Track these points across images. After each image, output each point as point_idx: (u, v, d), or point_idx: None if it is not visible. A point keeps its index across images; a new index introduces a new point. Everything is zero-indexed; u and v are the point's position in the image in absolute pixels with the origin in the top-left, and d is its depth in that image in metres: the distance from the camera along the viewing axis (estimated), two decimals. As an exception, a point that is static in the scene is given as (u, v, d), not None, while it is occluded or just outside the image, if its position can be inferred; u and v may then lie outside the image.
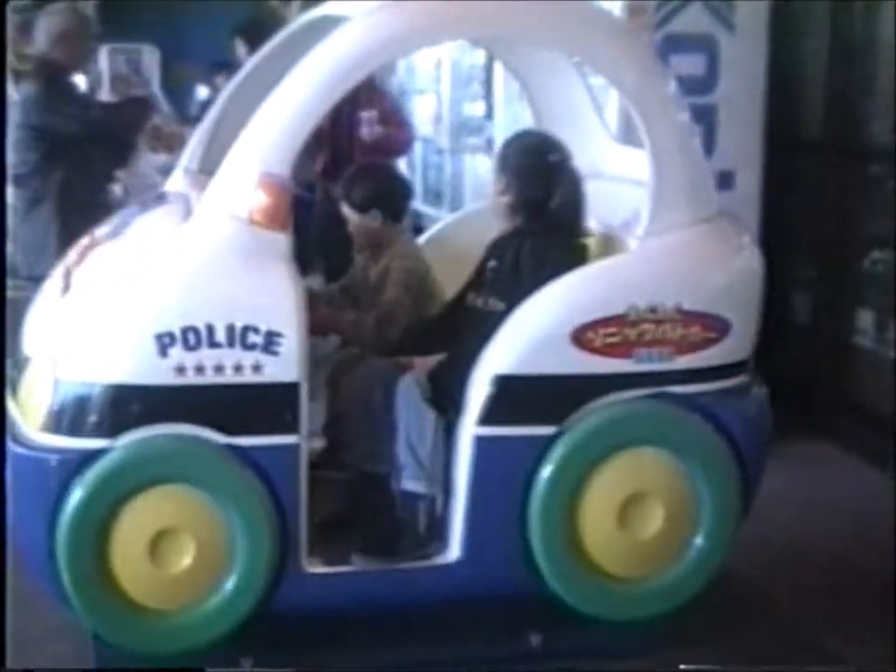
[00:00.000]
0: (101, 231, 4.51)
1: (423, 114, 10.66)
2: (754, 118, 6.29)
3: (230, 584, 3.99)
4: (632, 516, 4.21)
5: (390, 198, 4.87)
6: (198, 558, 3.96)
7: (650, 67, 4.36)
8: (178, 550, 3.96)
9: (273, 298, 3.93)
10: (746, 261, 4.39)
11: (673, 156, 4.22)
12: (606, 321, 4.10)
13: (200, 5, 13.61)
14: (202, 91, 10.90)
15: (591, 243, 4.34)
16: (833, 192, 6.71)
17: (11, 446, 3.97)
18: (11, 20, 7.26)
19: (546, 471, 4.12)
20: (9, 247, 5.96)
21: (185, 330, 3.86)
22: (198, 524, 3.96)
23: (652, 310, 4.13)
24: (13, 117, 6.17)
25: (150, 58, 14.21)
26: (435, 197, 11.03)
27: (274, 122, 3.99)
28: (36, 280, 4.67)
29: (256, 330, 3.90)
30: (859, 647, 4.44)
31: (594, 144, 4.83)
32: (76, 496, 3.87)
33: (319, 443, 4.67)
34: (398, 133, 6.95)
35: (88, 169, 6.28)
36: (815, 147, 6.83)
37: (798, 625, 4.67)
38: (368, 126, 6.68)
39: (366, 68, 4.07)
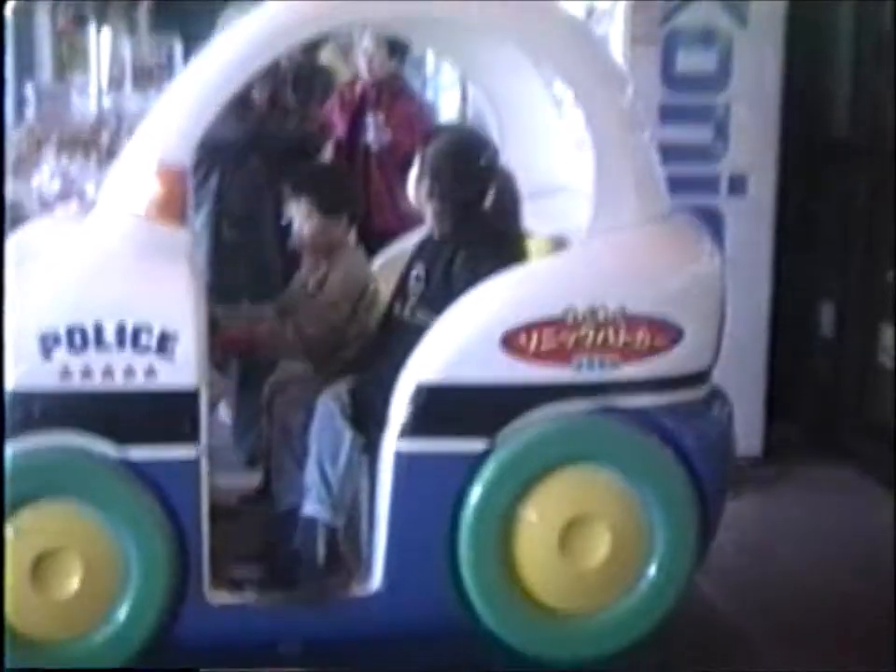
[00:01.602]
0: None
1: (448, 110, 10.44)
2: (769, 118, 5.81)
3: (122, 612, 3.63)
4: (574, 543, 3.80)
5: (357, 203, 4.56)
6: (86, 582, 3.62)
7: (593, 57, 4.03)
8: (64, 573, 3.61)
9: (168, 295, 3.61)
10: (702, 265, 4.01)
11: (618, 150, 3.88)
12: (540, 324, 3.72)
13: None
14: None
15: (535, 248, 3.99)
16: (861, 198, 6.17)
17: None
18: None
19: (476, 491, 3.74)
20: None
21: (70, 330, 3.55)
22: (86, 544, 3.62)
23: (593, 312, 3.74)
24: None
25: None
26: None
27: (173, 109, 3.72)
28: None
29: (148, 331, 3.57)
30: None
31: (556, 153, 4.48)
32: (-48, 509, 3.56)
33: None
34: (409, 139, 6.52)
35: (246, 177, 6.04)
36: (840, 149, 6.29)
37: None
38: (374, 131, 6.12)
39: (270, 50, 3.77)
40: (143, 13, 13.31)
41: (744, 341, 5.25)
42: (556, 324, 3.73)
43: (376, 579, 3.79)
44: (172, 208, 3.65)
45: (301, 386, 4.22)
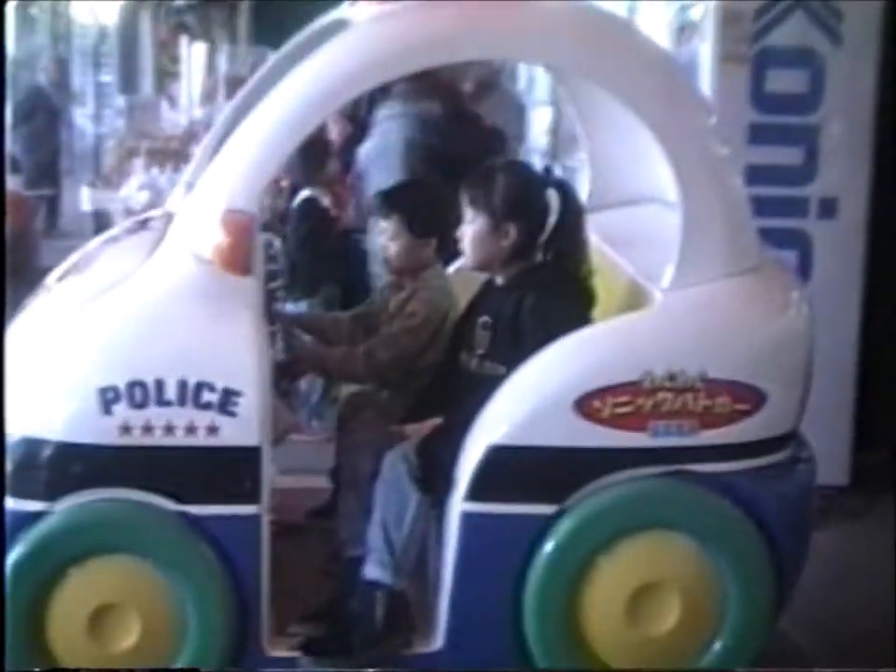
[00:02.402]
0: (66, 264, 4.11)
1: (539, 126, 10.21)
2: (862, 139, 5.59)
3: (179, 667, 3.58)
4: (643, 609, 3.67)
5: (450, 227, 4.16)
6: (144, 637, 3.55)
7: (682, 101, 3.79)
8: (122, 627, 3.55)
9: (232, 351, 3.49)
10: (790, 320, 3.80)
11: (707, 198, 3.66)
12: (616, 389, 3.57)
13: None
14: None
15: (607, 289, 3.82)
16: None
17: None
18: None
19: (545, 554, 3.62)
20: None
21: (131, 385, 3.45)
22: (144, 599, 3.55)
23: (672, 377, 3.58)
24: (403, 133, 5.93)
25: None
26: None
27: (242, 155, 3.56)
28: None
29: (211, 388, 3.46)
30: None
31: (649, 162, 4.27)
32: (10, 561, 3.48)
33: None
34: None
35: None
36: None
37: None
38: (335, 123, 5.99)
39: (346, 94, 3.60)
40: (243, 24, 13.08)
41: (832, 367, 5.04)
42: (633, 388, 3.57)
43: (439, 637, 3.70)
44: (236, 257, 3.51)
45: (375, 410, 4.11)
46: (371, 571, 3.73)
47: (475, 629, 3.67)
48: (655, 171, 4.12)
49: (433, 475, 3.70)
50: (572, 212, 3.90)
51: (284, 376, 4.14)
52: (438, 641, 3.70)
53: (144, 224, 4.18)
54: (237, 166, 3.56)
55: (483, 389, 3.67)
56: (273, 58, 4.32)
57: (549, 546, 3.62)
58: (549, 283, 3.78)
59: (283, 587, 3.71)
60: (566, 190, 3.94)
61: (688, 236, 3.65)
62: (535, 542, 3.63)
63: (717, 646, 3.71)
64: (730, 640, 3.71)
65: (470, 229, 3.86)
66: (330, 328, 4.43)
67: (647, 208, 4.34)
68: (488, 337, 3.84)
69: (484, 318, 3.87)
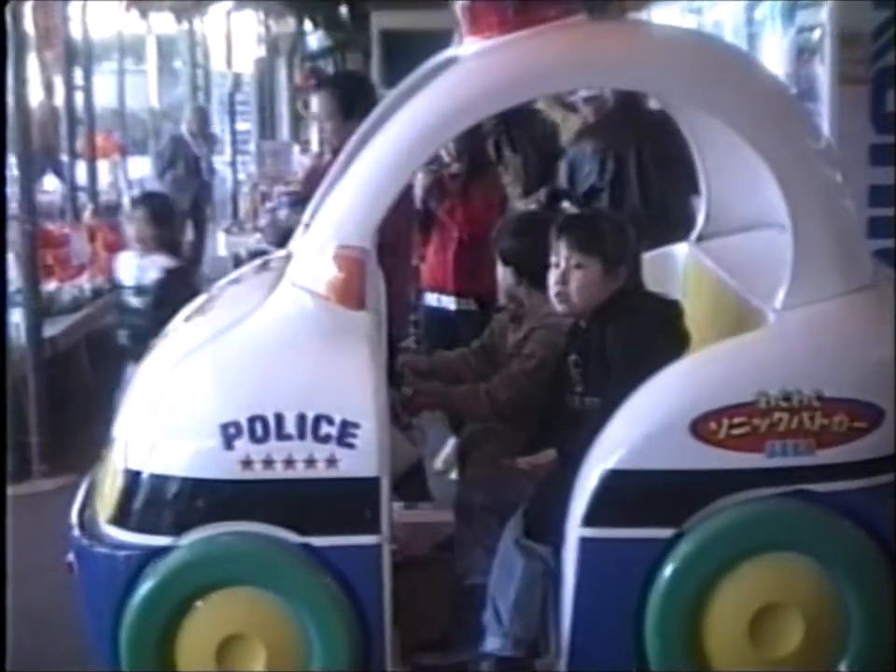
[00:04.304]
0: (192, 306, 4.20)
1: None
2: None
3: (305, 697, 3.64)
4: (766, 631, 3.66)
5: (528, 258, 4.28)
6: (270, 668, 3.61)
7: (790, 124, 3.80)
8: (248, 658, 3.62)
9: (349, 384, 3.55)
10: (905, 336, 3.78)
11: (817, 219, 3.67)
12: (731, 410, 3.57)
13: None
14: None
15: (718, 310, 3.83)
16: None
17: (79, 536, 3.74)
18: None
19: (664, 577, 3.62)
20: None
21: (252, 420, 3.52)
22: (269, 630, 3.61)
23: (787, 397, 3.57)
24: None
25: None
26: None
27: (353, 192, 3.64)
28: None
29: (329, 421, 3.53)
30: None
31: (760, 188, 4.26)
32: (138, 595, 3.58)
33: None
34: None
35: None
36: None
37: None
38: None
39: (453, 127, 3.66)
40: (375, 68, 13.26)
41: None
42: (748, 409, 3.57)
43: (562, 664, 3.72)
44: (350, 292, 3.59)
45: (493, 448, 4.15)
46: (490, 644, 3.79)
47: (596, 655, 3.68)
48: (769, 196, 4.14)
49: (540, 539, 3.73)
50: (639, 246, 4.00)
51: (405, 410, 4.19)
52: (561, 668, 3.72)
53: (266, 265, 4.25)
54: (349, 203, 3.64)
55: (588, 424, 3.70)
56: (386, 98, 4.38)
57: (668, 570, 3.62)
58: (628, 311, 3.82)
59: (407, 616, 3.75)
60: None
61: (799, 256, 3.66)
62: (654, 567, 3.63)
63: (841, 669, 3.69)
64: (854, 663, 3.68)
65: (580, 273, 3.88)
66: (461, 369, 4.48)
67: (762, 233, 4.33)
68: (580, 374, 3.88)
69: (573, 357, 3.91)
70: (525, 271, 4.29)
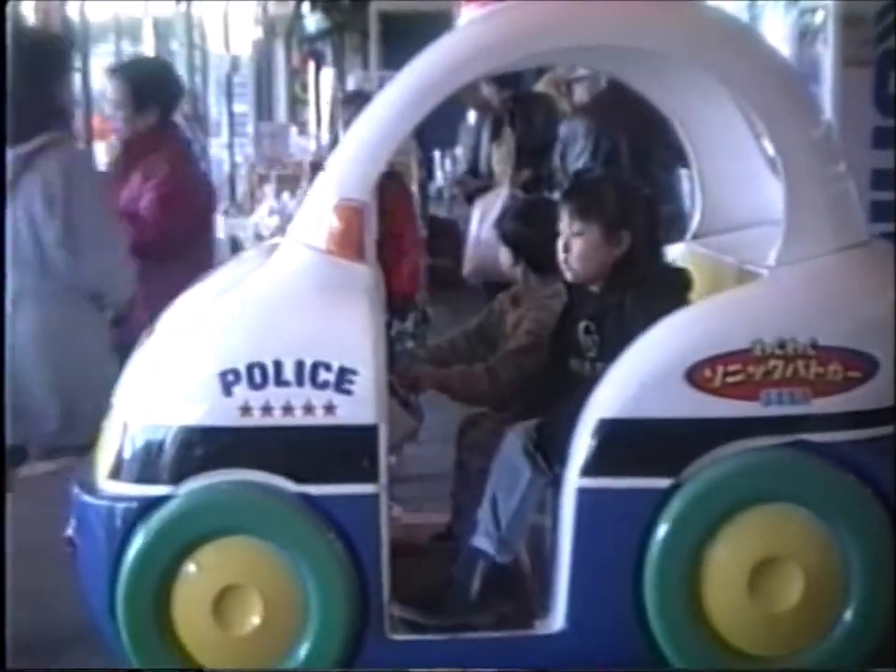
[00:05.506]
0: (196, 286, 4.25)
1: None
2: None
3: (303, 649, 3.61)
4: (766, 584, 3.64)
5: (525, 240, 4.39)
6: (267, 619, 3.60)
7: (782, 81, 3.85)
8: (245, 609, 3.60)
9: (347, 332, 3.58)
10: (899, 293, 3.81)
11: (810, 178, 3.71)
12: (726, 357, 3.59)
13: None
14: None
15: (715, 279, 3.86)
16: None
17: (78, 494, 3.75)
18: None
19: (662, 529, 3.61)
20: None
21: (250, 367, 3.55)
22: (266, 581, 3.60)
23: (782, 345, 3.60)
24: None
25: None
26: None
27: (353, 147, 3.71)
28: None
29: (327, 367, 3.55)
30: None
31: (756, 185, 4.33)
32: (135, 547, 3.58)
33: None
34: None
35: None
36: None
37: None
38: None
39: (451, 83, 3.69)
40: (374, 49, 13.41)
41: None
42: (743, 356, 3.59)
43: (559, 617, 3.70)
44: (350, 243, 3.63)
45: (492, 423, 4.15)
46: (477, 540, 3.78)
47: (595, 606, 3.66)
48: (765, 194, 4.20)
49: (549, 453, 3.74)
50: (656, 213, 4.01)
51: (403, 387, 4.19)
52: (558, 622, 3.70)
53: (271, 250, 4.29)
54: (349, 157, 3.70)
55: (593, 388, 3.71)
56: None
57: (665, 521, 3.62)
58: (646, 279, 3.84)
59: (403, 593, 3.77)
60: (649, 195, 4.06)
61: (792, 213, 3.70)
62: (651, 517, 3.63)
63: (843, 621, 3.66)
64: (856, 615, 3.65)
65: (580, 240, 3.93)
66: (450, 355, 4.48)
67: (757, 230, 4.35)
68: (593, 340, 3.89)
69: (585, 323, 3.91)
70: (523, 252, 4.37)
